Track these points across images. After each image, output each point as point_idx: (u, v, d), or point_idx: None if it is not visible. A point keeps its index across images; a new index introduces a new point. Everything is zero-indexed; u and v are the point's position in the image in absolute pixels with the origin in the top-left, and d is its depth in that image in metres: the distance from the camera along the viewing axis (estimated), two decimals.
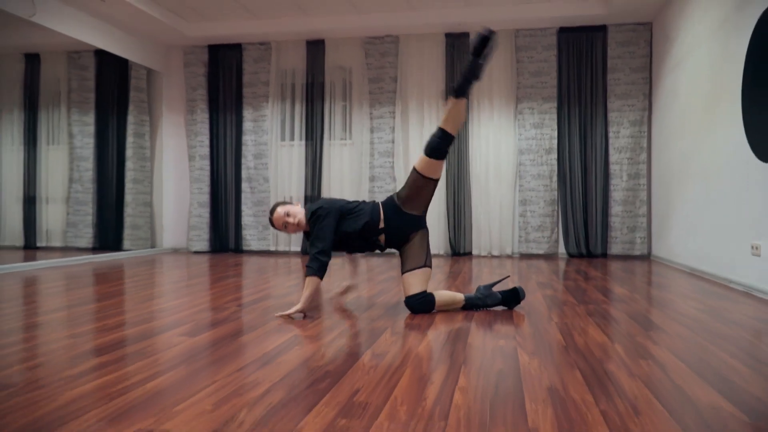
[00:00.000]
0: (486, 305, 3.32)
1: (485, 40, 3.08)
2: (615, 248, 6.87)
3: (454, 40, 7.12)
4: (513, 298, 3.34)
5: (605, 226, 6.85)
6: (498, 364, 2.18)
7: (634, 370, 2.08)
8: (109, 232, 7.75)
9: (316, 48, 7.43)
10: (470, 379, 1.99)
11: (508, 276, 3.63)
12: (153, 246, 7.91)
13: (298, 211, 3.24)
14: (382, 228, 3.26)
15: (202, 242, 7.73)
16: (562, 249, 7.01)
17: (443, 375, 2.04)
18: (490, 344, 2.50)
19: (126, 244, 7.66)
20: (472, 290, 4.03)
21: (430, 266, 3.28)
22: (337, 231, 3.23)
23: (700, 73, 5.12)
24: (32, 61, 7.64)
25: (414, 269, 3.24)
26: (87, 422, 1.59)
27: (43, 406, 1.72)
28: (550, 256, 6.94)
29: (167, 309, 3.37)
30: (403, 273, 3.27)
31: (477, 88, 7.10)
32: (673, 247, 5.96)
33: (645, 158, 6.81)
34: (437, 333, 2.73)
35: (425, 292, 3.21)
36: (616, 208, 6.86)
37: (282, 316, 3.09)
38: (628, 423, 1.58)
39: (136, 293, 4.02)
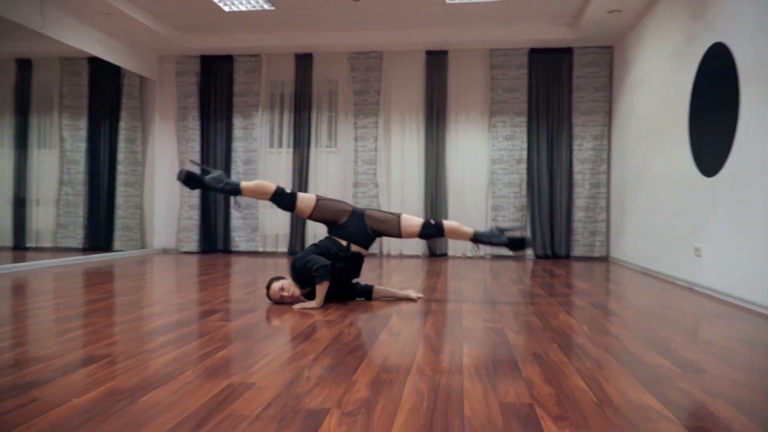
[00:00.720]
0: (491, 242, 3.82)
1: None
2: (577, 250, 7.54)
3: (434, 58, 7.71)
4: (519, 243, 3.83)
5: (569, 230, 7.52)
6: (492, 339, 2.73)
7: (597, 342, 2.67)
8: (99, 234, 8.09)
9: (304, 61, 7.93)
10: (472, 348, 2.54)
11: (522, 226, 4.14)
12: (143, 247, 8.27)
13: (289, 285, 3.72)
14: (345, 245, 3.78)
15: (192, 243, 8.13)
16: (529, 251, 7.64)
17: (451, 346, 2.59)
18: (481, 326, 3.05)
19: (117, 244, 8.02)
20: (454, 287, 4.59)
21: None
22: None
23: (653, 97, 5.80)
24: (24, 66, 7.94)
25: (400, 215, 3.85)
26: (186, 379, 2.08)
27: (144, 370, 2.20)
28: (519, 257, 7.56)
29: (192, 301, 3.84)
30: (399, 228, 3.82)
31: (455, 103, 7.71)
32: (627, 249, 6.64)
33: (605, 169, 7.51)
34: (436, 317, 3.27)
35: (428, 219, 3.82)
36: (578, 214, 7.54)
37: (301, 308, 3.59)
38: (595, 374, 2.15)
39: (155, 288, 4.46)
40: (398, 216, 3.85)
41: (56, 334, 2.78)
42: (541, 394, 1.92)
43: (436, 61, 7.72)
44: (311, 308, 3.57)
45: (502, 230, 3.85)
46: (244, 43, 7.65)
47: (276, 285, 3.72)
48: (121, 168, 8.07)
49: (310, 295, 3.79)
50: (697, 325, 3.14)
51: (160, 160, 8.31)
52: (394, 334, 2.85)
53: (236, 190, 3.76)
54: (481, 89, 7.69)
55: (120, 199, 8.06)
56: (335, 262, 3.71)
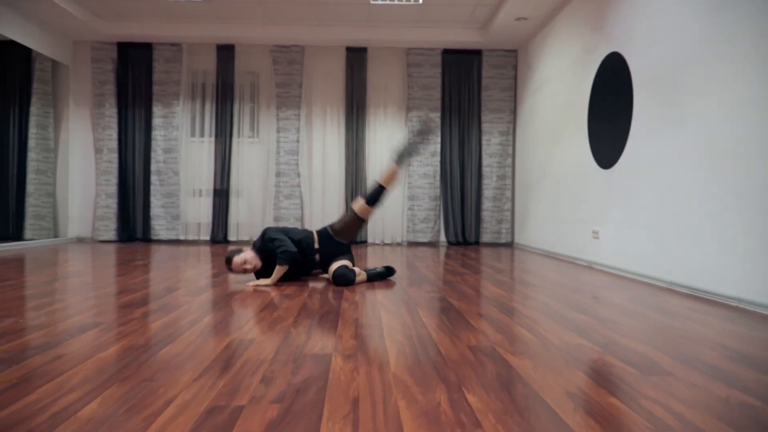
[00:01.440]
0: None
1: (426, 129, 4.25)
2: (486, 237, 8.21)
3: (354, 54, 8.08)
4: (388, 273, 4.31)
5: (478, 218, 8.17)
6: (439, 304, 3.17)
7: (527, 305, 3.18)
8: (9, 222, 7.82)
9: (226, 52, 8.05)
10: (425, 311, 2.97)
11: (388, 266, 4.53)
12: (56, 236, 8.07)
13: (251, 257, 4.00)
14: (317, 248, 4.17)
15: (110, 232, 8.03)
16: (443, 237, 8.23)
17: (407, 310, 3.00)
18: (426, 296, 3.49)
19: (28, 233, 7.78)
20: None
21: (353, 262, 4.21)
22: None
23: (555, 99, 6.50)
24: None
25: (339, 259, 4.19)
26: (189, 338, 2.35)
27: (145, 333, 2.44)
28: (433, 244, 8.12)
29: (144, 282, 4.01)
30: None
31: (374, 98, 8.13)
32: (531, 235, 7.37)
33: (510, 162, 8.22)
34: (384, 292, 3.67)
35: (346, 266, 4.08)
36: (487, 204, 8.20)
37: (255, 285, 3.87)
38: (533, 326, 2.64)
39: (95, 272, 4.55)
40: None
41: (31, 309, 2.92)
42: (496, 340, 2.37)
43: (357, 58, 8.10)
44: (264, 285, 3.87)
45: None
46: (164, 31, 7.66)
47: (238, 258, 3.96)
48: (32, 155, 7.82)
49: (262, 274, 4.09)
50: (600, 292, 3.74)
51: (75, 148, 8.13)
52: (352, 303, 3.22)
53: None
54: (399, 86, 8.16)
55: (31, 187, 7.82)
56: (299, 254, 4.08)
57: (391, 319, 2.76)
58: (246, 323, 2.63)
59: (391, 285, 3.94)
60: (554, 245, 6.46)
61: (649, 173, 4.35)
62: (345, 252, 4.23)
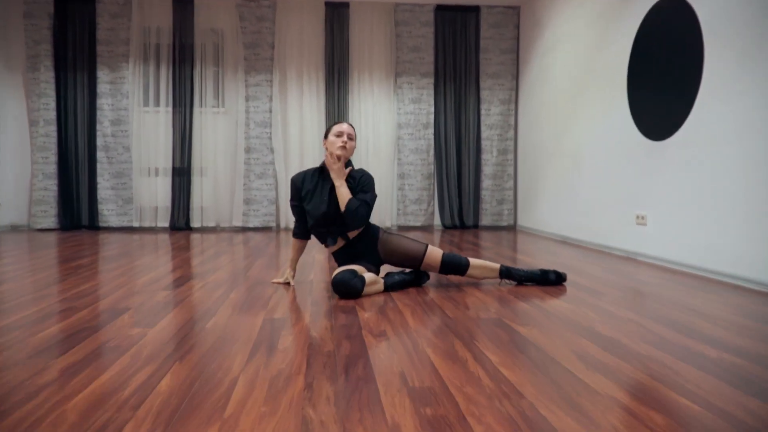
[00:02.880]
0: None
1: (559, 279, 3.29)
2: (485, 219, 7.30)
3: (334, 10, 6.99)
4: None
5: (477, 198, 7.25)
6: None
7: (623, 333, 2.26)
8: None
9: (183, 6, 6.86)
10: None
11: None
12: None
13: (351, 148, 3.14)
14: (347, 237, 3.17)
15: (49, 219, 6.85)
16: (437, 221, 7.29)
17: (473, 357, 2.05)
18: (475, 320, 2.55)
19: None
20: None
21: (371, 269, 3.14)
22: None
23: (575, 59, 5.57)
24: None
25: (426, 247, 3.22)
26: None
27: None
28: (426, 228, 7.19)
29: (79, 297, 2.96)
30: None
31: (358, 61, 7.08)
32: (539, 217, 6.48)
33: (512, 135, 7.30)
34: (413, 304, 2.72)
35: (353, 271, 2.96)
36: (486, 182, 7.28)
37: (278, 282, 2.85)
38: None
39: (25, 282, 3.47)
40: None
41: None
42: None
43: (337, 14, 7.01)
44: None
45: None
46: None
47: (346, 127, 3.18)
48: None
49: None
50: (683, 299, 2.86)
51: (5, 120, 6.86)
52: (379, 335, 2.25)
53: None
54: (386, 47, 7.12)
55: None
56: (327, 222, 3.15)
57: (463, 380, 1.81)
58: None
59: (414, 295, 2.98)
60: (574, 230, 5.58)
61: (719, 144, 3.46)
62: (370, 259, 3.20)
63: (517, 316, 2.53)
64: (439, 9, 7.11)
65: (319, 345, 2.06)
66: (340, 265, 3.21)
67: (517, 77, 7.27)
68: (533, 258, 4.49)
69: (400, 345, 2.07)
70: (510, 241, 5.82)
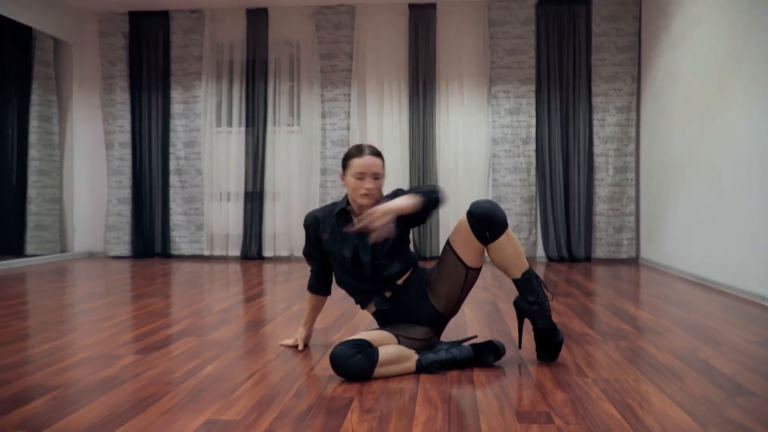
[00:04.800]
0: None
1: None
2: (599, 251, 6.09)
3: (419, 12, 6.19)
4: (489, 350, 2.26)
5: (589, 226, 6.07)
6: None
7: None
8: (8, 234, 6.50)
9: (257, 18, 6.36)
10: None
11: (475, 336, 2.46)
12: (63, 250, 6.68)
13: (383, 182, 2.35)
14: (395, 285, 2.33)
15: (123, 246, 6.56)
16: (541, 252, 6.19)
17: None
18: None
19: (30, 248, 6.43)
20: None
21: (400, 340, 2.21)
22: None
23: (710, 51, 4.33)
24: None
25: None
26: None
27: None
28: (528, 260, 6.10)
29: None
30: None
31: (446, 69, 6.21)
32: (668, 250, 5.20)
33: (633, 150, 6.05)
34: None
35: (359, 343, 2.09)
36: (600, 206, 6.08)
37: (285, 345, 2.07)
38: None
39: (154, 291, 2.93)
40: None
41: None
42: None
43: (422, 17, 6.19)
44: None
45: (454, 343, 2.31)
46: None
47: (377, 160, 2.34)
48: (33, 153, 6.46)
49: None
50: None
51: (81, 143, 6.71)
52: None
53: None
54: (478, 51, 6.17)
55: (33, 192, 6.46)
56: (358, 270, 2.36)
57: None
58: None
59: (454, 380, 2.04)
60: (711, 269, 4.30)
61: None
62: (422, 313, 2.31)
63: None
64: (542, 4, 6.08)
65: None
66: (382, 326, 2.37)
67: (638, 80, 6.03)
68: (672, 305, 3.34)
69: None
70: (631, 280, 4.65)
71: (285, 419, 1.68)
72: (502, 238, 2.20)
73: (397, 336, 2.21)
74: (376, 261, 2.29)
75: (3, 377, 2.08)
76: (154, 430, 1.60)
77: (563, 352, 2.42)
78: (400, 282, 2.33)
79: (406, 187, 6.17)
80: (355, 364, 1.99)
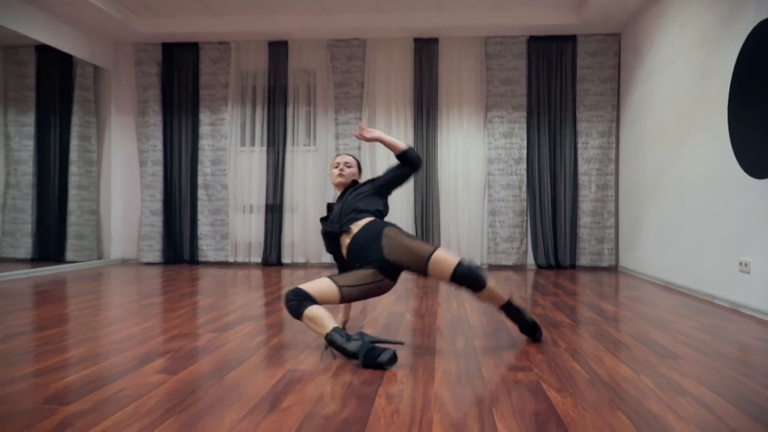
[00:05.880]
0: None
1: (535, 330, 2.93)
2: (583, 259, 6.82)
3: (423, 46, 6.94)
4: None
5: (574, 237, 6.80)
6: (531, 406, 1.96)
7: (680, 412, 1.91)
8: (50, 242, 7.19)
9: (278, 49, 7.11)
10: (508, 421, 1.77)
11: (402, 343, 2.63)
12: (100, 257, 7.38)
13: (354, 170, 3.18)
14: (352, 233, 2.87)
15: (154, 253, 7.26)
16: (531, 260, 6.91)
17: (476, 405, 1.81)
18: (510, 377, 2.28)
19: (69, 254, 7.12)
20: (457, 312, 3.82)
21: (342, 293, 2.70)
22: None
23: (677, 87, 5.09)
24: None
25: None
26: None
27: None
28: (518, 267, 6.82)
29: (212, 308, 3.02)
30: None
31: (447, 96, 6.96)
32: (643, 259, 5.93)
33: (613, 169, 6.80)
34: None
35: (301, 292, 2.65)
36: (584, 219, 6.82)
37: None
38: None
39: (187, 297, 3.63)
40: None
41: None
42: None
43: (426, 50, 6.95)
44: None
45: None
46: (210, 28, 6.82)
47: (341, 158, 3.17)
48: (73, 169, 7.17)
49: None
50: None
51: (117, 160, 7.43)
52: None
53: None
54: (476, 81, 6.94)
55: (73, 204, 7.16)
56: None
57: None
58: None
59: (466, 344, 2.75)
60: (676, 274, 5.03)
61: None
62: (373, 257, 2.78)
63: (559, 380, 2.24)
64: (533, 39, 6.84)
65: (323, 405, 1.92)
66: (340, 267, 3.09)
67: (617, 108, 6.80)
68: (638, 303, 4.06)
69: (408, 410, 1.88)
70: (610, 284, 5.36)
71: (345, 367, 2.39)
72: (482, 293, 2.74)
73: (341, 287, 2.69)
74: (347, 212, 2.93)
75: (126, 345, 2.78)
76: (257, 373, 2.31)
77: (545, 334, 3.12)
78: (356, 229, 2.86)
79: (409, 206, 6.89)
80: (290, 307, 2.63)
